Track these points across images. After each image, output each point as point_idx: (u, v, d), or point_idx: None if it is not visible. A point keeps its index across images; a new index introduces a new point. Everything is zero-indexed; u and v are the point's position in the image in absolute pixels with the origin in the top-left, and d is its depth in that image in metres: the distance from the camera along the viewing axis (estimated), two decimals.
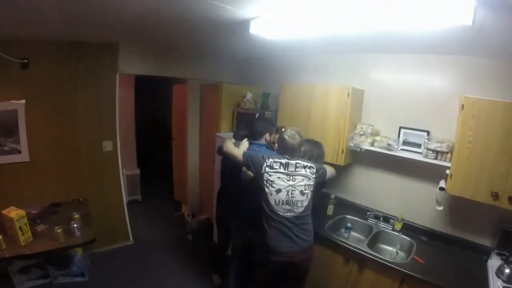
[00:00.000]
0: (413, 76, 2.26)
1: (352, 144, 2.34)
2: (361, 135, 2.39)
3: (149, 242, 3.44)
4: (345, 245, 2.08)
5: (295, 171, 1.80)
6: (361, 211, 2.58)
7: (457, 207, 2.05)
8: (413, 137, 2.21)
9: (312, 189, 1.83)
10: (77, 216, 2.41)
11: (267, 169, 1.79)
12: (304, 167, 1.82)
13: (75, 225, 2.27)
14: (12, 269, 2.43)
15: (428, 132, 2.13)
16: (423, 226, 2.24)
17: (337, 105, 2.37)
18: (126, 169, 4.25)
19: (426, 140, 2.03)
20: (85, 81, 2.76)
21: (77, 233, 2.28)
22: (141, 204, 4.47)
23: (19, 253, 2.08)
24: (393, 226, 2.31)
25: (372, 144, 2.35)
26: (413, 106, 2.25)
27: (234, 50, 3.15)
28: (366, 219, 2.48)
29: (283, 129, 2.26)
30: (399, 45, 2.14)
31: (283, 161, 1.81)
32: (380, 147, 2.28)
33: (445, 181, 1.85)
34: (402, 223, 2.28)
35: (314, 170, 1.84)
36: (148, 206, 4.42)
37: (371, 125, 2.43)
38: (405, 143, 2.25)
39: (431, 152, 1.99)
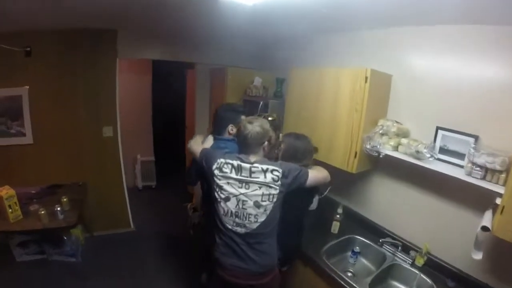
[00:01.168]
0: (460, 58, 1.58)
1: (368, 147, 1.80)
2: (382, 134, 1.83)
3: (150, 231, 3.40)
4: (340, 280, 1.60)
5: (250, 176, 1.41)
6: (376, 232, 2.05)
7: (505, 253, 1.39)
8: (455, 143, 1.57)
9: (275, 200, 1.41)
10: (65, 199, 2.44)
11: (216, 171, 1.45)
12: (264, 171, 1.40)
13: (58, 209, 2.31)
14: (13, 242, 2.60)
15: (476, 138, 1.48)
16: (452, 266, 1.64)
17: (351, 93, 1.84)
18: (141, 155, 4.27)
19: (473, 150, 1.40)
20: (85, 67, 2.74)
21: (60, 216, 2.32)
22: (154, 191, 4.49)
23: (6, 229, 2.19)
24: (414, 260, 1.74)
25: (396, 148, 1.78)
26: (458, 100, 1.59)
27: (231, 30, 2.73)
28: (381, 245, 1.93)
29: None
30: (442, 12, 1.49)
31: (235, 163, 1.43)
32: (405, 154, 1.70)
33: (493, 214, 1.24)
34: (425, 257, 1.70)
35: (279, 175, 1.40)
36: (160, 194, 4.42)
37: (397, 123, 1.84)
38: (443, 150, 1.63)
39: (477, 168, 1.36)
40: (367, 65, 1.79)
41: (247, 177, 1.41)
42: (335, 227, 2.08)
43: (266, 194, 1.40)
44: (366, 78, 1.74)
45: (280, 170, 1.41)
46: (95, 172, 2.99)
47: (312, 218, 2.26)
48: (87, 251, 2.88)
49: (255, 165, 1.41)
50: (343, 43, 2.32)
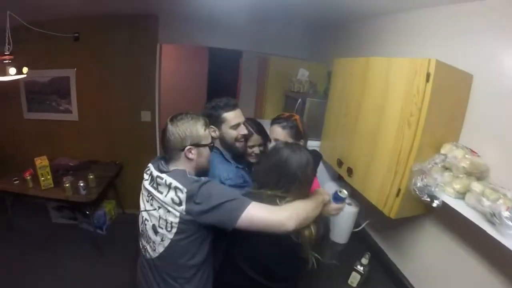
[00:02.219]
0: None
1: (419, 184, 1.18)
2: (444, 169, 1.18)
3: None
4: None
5: (156, 189, 1.09)
6: None
7: None
8: None
9: (176, 231, 1.02)
10: (91, 177, 2.62)
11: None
12: (168, 186, 1.04)
13: (81, 184, 2.47)
14: (50, 205, 3.01)
15: None
16: None
17: (405, 97, 1.23)
18: None
19: None
20: (126, 52, 2.88)
21: (82, 192, 2.49)
22: None
23: (36, 195, 2.50)
24: None
25: (462, 196, 1.10)
26: None
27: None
28: None
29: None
30: None
31: (151, 168, 1.16)
32: (474, 209, 1.02)
33: None
34: None
35: (183, 197, 0.99)
36: None
37: (473, 153, 1.14)
38: None
39: None
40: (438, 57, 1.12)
41: (154, 189, 1.10)
42: (354, 279, 1.51)
43: (163, 219, 1.05)
44: (429, 74, 1.12)
45: (185, 190, 0.99)
46: (131, 154, 3.15)
47: (335, 255, 1.77)
48: (114, 226, 3.12)
49: (162, 175, 1.07)
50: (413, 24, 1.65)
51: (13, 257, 2.49)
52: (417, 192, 1.17)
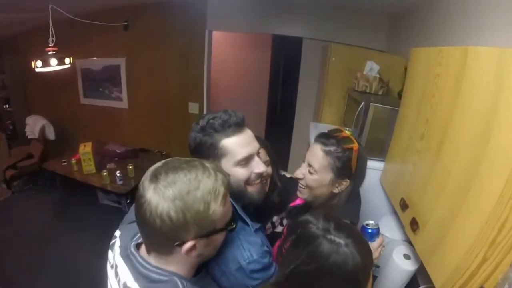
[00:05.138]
0: None
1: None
2: None
3: None
4: None
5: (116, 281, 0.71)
6: None
7: None
8: None
9: None
10: (130, 167, 2.68)
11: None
12: None
13: (118, 174, 2.54)
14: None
15: None
16: None
17: None
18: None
19: None
20: (174, 40, 2.82)
21: (119, 182, 2.56)
22: None
23: (76, 178, 2.71)
24: None
25: None
26: None
27: None
28: None
29: None
30: None
31: (115, 254, 0.75)
32: None
33: None
34: None
35: None
36: None
37: None
38: None
39: None
40: None
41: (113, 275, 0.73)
42: None
43: None
44: None
45: None
46: (178, 146, 3.16)
47: None
48: None
49: (133, 285, 0.65)
50: None
51: (62, 234, 2.72)
52: None
